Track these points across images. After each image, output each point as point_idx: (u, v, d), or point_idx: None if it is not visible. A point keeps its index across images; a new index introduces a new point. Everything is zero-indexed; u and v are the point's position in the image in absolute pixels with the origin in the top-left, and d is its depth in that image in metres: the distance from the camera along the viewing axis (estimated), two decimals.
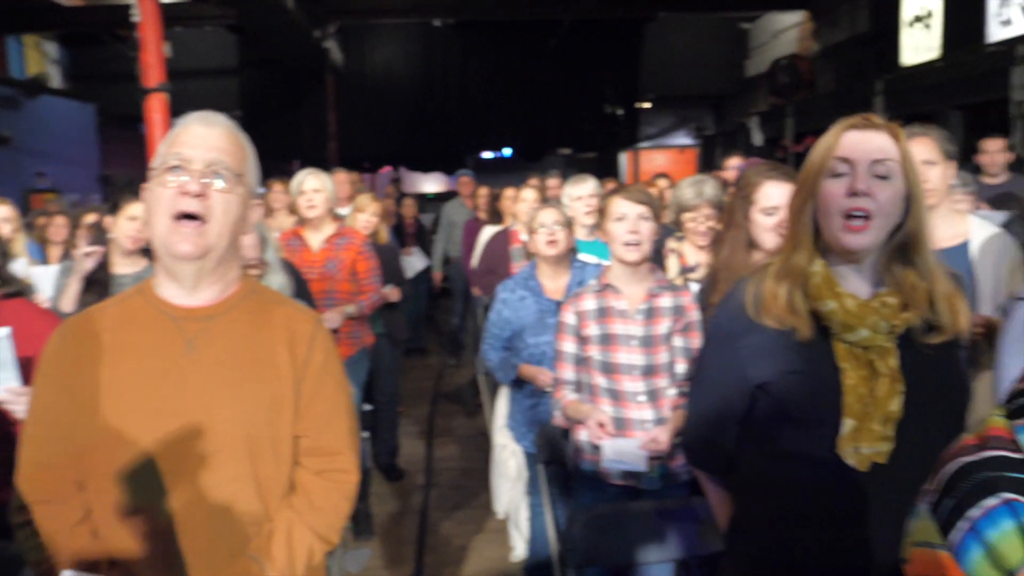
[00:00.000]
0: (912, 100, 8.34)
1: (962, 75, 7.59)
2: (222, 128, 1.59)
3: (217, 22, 12.04)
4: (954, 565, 0.78)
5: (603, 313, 2.68)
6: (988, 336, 2.42)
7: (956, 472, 0.82)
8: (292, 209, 4.68)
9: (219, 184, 1.54)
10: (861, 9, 9.99)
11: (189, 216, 1.51)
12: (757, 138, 12.26)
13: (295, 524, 1.60)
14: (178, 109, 1.68)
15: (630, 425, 2.65)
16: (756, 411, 1.69)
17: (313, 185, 4.32)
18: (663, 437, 2.56)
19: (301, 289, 3.63)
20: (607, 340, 2.66)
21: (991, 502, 0.78)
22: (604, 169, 15.07)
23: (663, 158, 16.59)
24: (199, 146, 1.53)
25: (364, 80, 13.65)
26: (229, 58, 14.00)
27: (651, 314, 2.65)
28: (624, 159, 16.35)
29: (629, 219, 2.61)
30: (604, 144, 15.28)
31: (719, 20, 14.50)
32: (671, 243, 3.87)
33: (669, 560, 2.53)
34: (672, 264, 3.69)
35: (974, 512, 0.78)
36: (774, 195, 2.41)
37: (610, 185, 7.11)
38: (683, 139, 16.32)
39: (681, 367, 2.66)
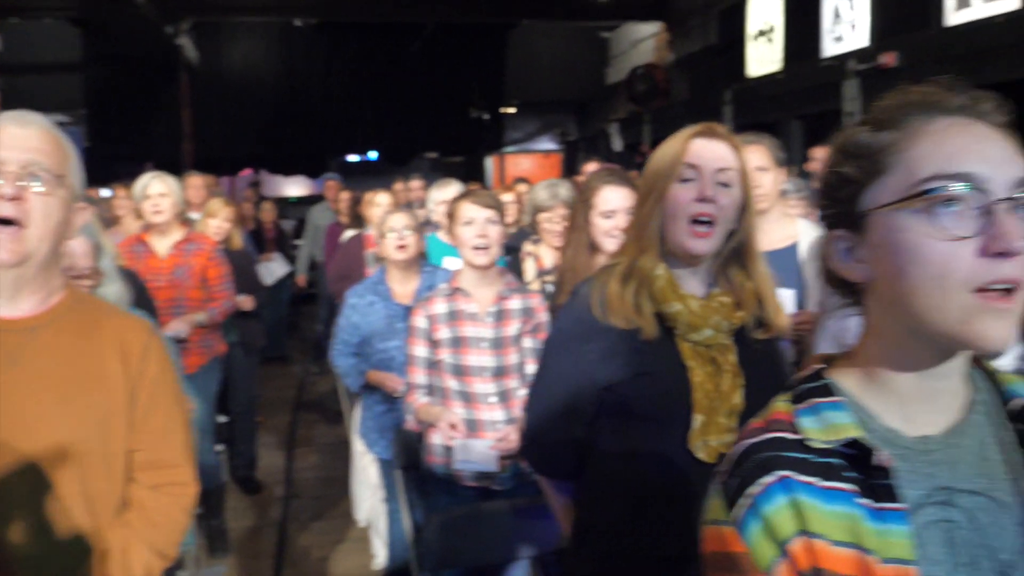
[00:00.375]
0: (757, 109, 8.81)
1: (801, 87, 8.08)
2: (39, 128, 1.50)
3: (58, 14, 11.34)
4: (737, 539, 0.83)
5: (454, 316, 2.70)
6: (815, 331, 2.58)
7: (742, 453, 0.87)
8: (139, 214, 4.47)
9: (37, 187, 1.45)
10: (712, 22, 10.47)
11: (5, 221, 1.42)
12: (617, 144, 12.63)
13: (131, 541, 1.54)
14: (13, 106, 1.57)
15: (482, 426, 2.67)
16: (604, 412, 1.72)
17: (159, 189, 4.14)
18: (514, 436, 2.59)
19: (141, 298, 3.47)
20: (458, 343, 2.67)
21: (768, 479, 0.83)
22: (471, 173, 15.15)
23: (529, 162, 16.86)
24: (14, 147, 1.44)
25: (221, 80, 13.16)
26: (72, 53, 13.20)
27: (501, 316, 2.68)
28: (490, 163, 16.49)
29: (477, 223, 2.63)
30: (470, 148, 15.35)
31: (581, 28, 14.85)
32: (527, 246, 3.92)
33: (524, 558, 2.56)
34: (529, 267, 3.74)
35: (754, 489, 0.83)
36: (612, 199, 2.48)
37: (473, 188, 7.16)
38: (548, 144, 16.63)
39: (531, 368, 2.71)
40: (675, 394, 1.61)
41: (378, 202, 4.93)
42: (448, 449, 2.66)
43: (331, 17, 12.62)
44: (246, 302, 4.90)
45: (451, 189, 4.28)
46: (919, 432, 0.87)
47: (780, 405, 0.91)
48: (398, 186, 7.46)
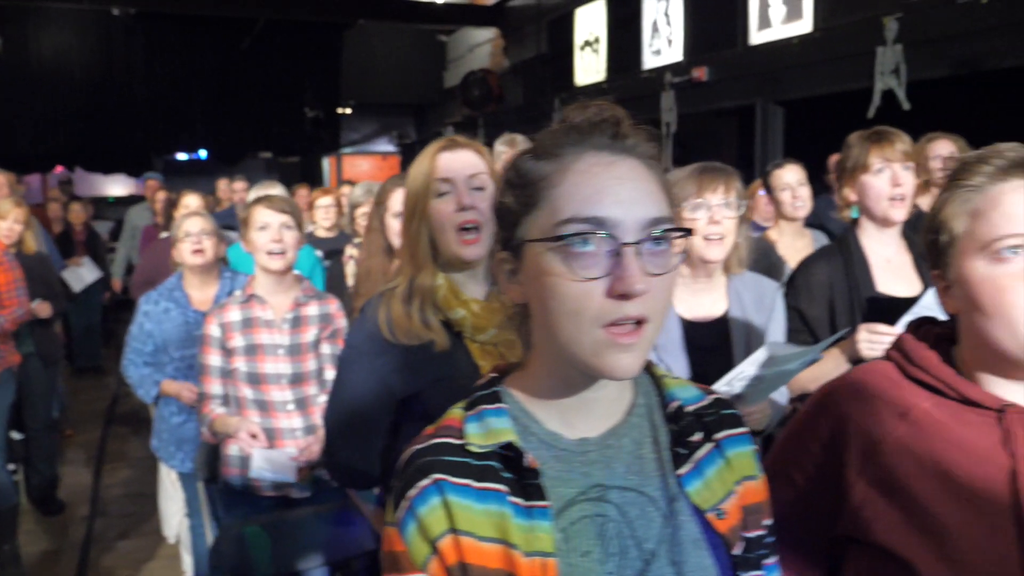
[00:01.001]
0: None
1: (624, 97, 8.43)
2: None
3: None
4: (398, 539, 0.89)
5: (248, 323, 2.64)
6: None
7: (407, 459, 0.93)
8: None
9: None
10: (543, 31, 10.74)
11: None
12: None
13: None
14: None
15: (280, 435, 2.63)
16: (407, 419, 1.74)
17: None
18: (316, 447, 2.57)
19: None
20: (253, 351, 2.62)
21: (424, 482, 0.89)
22: (307, 174, 14.82)
23: (367, 164, 16.67)
24: None
25: (28, 70, 12.20)
26: None
27: (297, 323, 2.65)
28: (327, 164, 16.18)
29: (272, 228, 2.59)
30: (306, 149, 14.99)
31: (419, 31, 14.85)
32: (349, 249, 3.89)
33: (325, 564, 2.54)
34: (350, 270, 3.71)
35: (412, 492, 0.89)
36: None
37: (302, 191, 7.00)
38: (386, 146, 16.51)
39: (330, 373, 2.68)
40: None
41: (185, 204, 4.72)
42: (245, 460, 2.59)
43: (150, 8, 11.97)
44: (42, 309, 4.59)
45: (274, 191, 4.17)
46: (578, 435, 0.93)
47: (454, 411, 0.96)
48: (222, 186, 7.20)
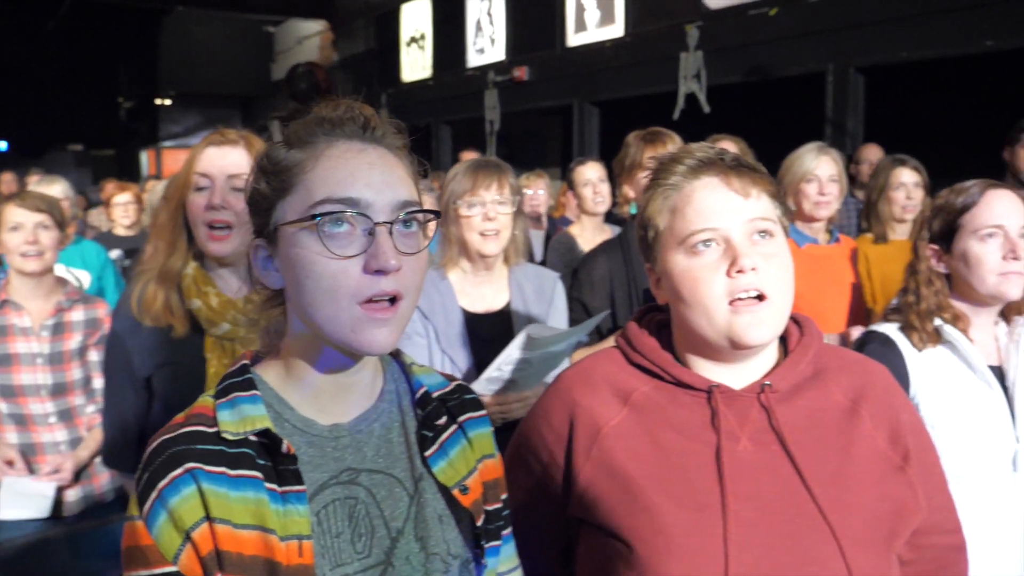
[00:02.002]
0: (411, 113, 9.08)
1: (449, 94, 8.47)
2: None
3: None
4: (146, 533, 0.87)
5: (2, 331, 2.44)
6: None
7: (153, 450, 0.90)
8: None
9: None
10: (372, 25, 10.62)
11: None
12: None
13: None
14: None
15: (42, 449, 2.44)
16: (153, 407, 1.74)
17: None
18: (68, 465, 2.41)
19: None
20: (7, 361, 2.42)
21: (176, 472, 0.87)
22: (124, 168, 13.94)
23: None
24: None
25: None
26: None
27: (59, 329, 2.47)
28: (145, 158, 15.31)
29: (26, 228, 2.41)
30: (120, 141, 14.11)
31: (244, 21, 14.32)
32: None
33: None
34: None
35: (162, 483, 0.87)
36: None
37: (109, 187, 6.57)
38: None
39: (99, 382, 2.52)
40: (191, 384, 1.65)
41: None
42: None
43: None
44: None
45: (56, 188, 3.86)
46: (332, 421, 0.95)
47: (204, 399, 0.95)
48: (6, 178, 6.66)
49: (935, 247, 1.70)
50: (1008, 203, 1.62)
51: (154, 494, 0.87)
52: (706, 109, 5.80)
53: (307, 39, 13.44)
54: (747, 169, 1.10)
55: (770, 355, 1.14)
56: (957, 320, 1.65)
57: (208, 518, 0.86)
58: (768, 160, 1.15)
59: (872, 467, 1.10)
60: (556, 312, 2.27)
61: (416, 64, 9.20)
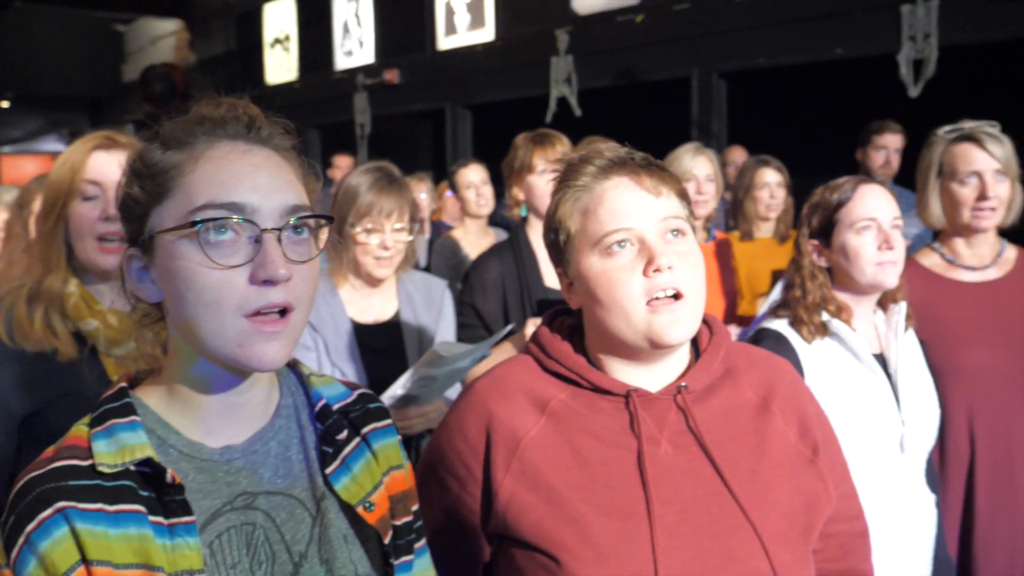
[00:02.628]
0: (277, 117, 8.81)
1: (317, 97, 8.27)
2: None
3: None
4: None
5: None
6: None
7: (20, 489, 0.81)
8: None
9: None
10: (232, 26, 10.23)
11: None
12: None
13: None
14: None
15: None
16: (28, 445, 1.54)
17: None
18: None
19: None
20: None
21: (45, 513, 0.79)
22: None
23: (33, 164, 14.78)
24: None
25: None
26: None
27: None
28: None
29: None
30: None
31: (91, 19, 13.48)
32: None
33: None
34: None
35: (30, 526, 0.79)
36: None
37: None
38: (56, 145, 14.79)
39: None
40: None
41: None
42: None
43: None
44: None
45: None
46: (223, 443, 0.89)
47: (78, 428, 0.87)
48: None
49: (815, 242, 1.77)
50: (879, 197, 1.72)
51: (21, 539, 0.79)
52: (577, 112, 5.89)
53: (161, 39, 12.79)
54: (656, 168, 1.11)
55: (683, 356, 1.15)
56: (841, 311, 1.73)
57: (84, 561, 0.79)
58: None
59: (786, 462, 1.12)
60: (444, 320, 2.24)
61: (281, 66, 8.93)
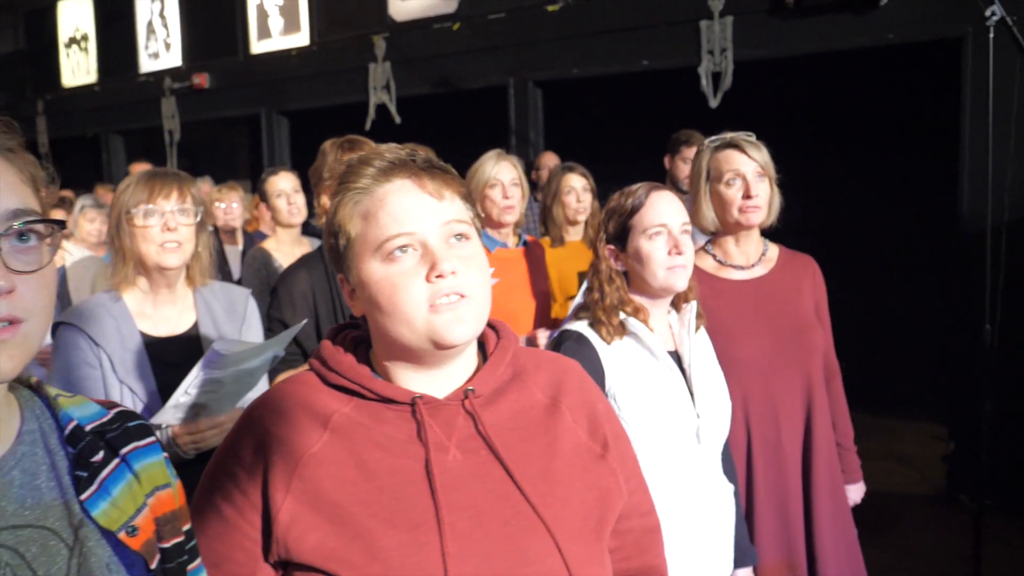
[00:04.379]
0: (76, 122, 8.19)
1: (119, 101, 7.75)
2: None
3: None
4: None
5: None
6: None
7: None
8: None
9: None
10: (20, 23, 9.41)
11: None
12: None
13: None
14: None
15: None
16: None
17: None
18: None
19: None
20: None
21: None
22: None
23: None
24: None
25: None
26: None
27: None
28: None
29: None
30: None
31: None
32: None
33: None
34: None
35: None
36: None
37: None
38: None
39: None
40: None
41: None
42: None
43: None
44: None
45: None
46: None
47: None
48: None
49: (612, 247, 1.83)
50: (670, 204, 1.80)
51: None
52: (397, 120, 5.85)
53: None
54: (439, 170, 1.09)
55: (470, 361, 1.14)
56: (638, 312, 1.80)
57: None
58: (460, 169, 1.14)
59: (577, 459, 1.13)
60: (250, 330, 2.14)
61: (79, 68, 8.30)
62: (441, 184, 1.07)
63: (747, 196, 2.11)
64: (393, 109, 5.86)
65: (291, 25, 6.53)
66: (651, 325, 1.81)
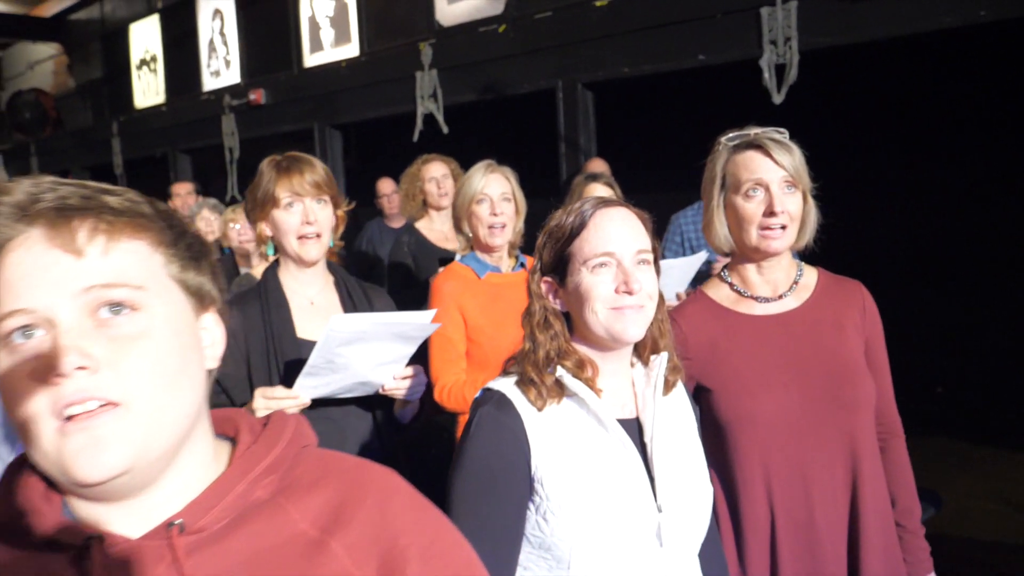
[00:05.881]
0: (146, 143, 8.27)
1: (184, 120, 7.76)
2: None
3: None
4: None
5: None
6: None
7: None
8: None
9: None
10: (100, 48, 9.65)
11: None
12: (3, 176, 10.99)
13: None
14: None
15: None
16: None
17: None
18: None
19: None
20: None
21: None
22: None
23: None
24: None
25: None
26: None
27: None
28: None
29: None
30: None
31: None
32: None
33: None
34: None
35: None
36: None
37: None
38: None
39: None
40: None
41: None
42: None
43: None
44: None
45: None
46: None
47: None
48: None
49: (549, 280, 1.43)
50: (621, 224, 1.38)
51: None
52: (444, 129, 5.56)
53: (39, 63, 12.09)
54: (94, 210, 0.74)
55: (193, 478, 0.79)
56: (582, 367, 1.39)
57: None
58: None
59: None
60: None
61: (149, 89, 8.40)
62: (91, 231, 0.72)
63: (770, 212, 1.67)
64: (440, 118, 5.56)
65: (342, 36, 6.35)
66: (600, 384, 1.39)
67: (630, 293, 1.34)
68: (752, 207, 1.69)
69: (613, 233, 1.37)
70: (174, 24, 7.98)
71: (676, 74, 4.75)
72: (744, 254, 1.76)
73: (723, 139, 1.76)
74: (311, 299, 2.09)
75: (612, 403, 1.40)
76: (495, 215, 2.53)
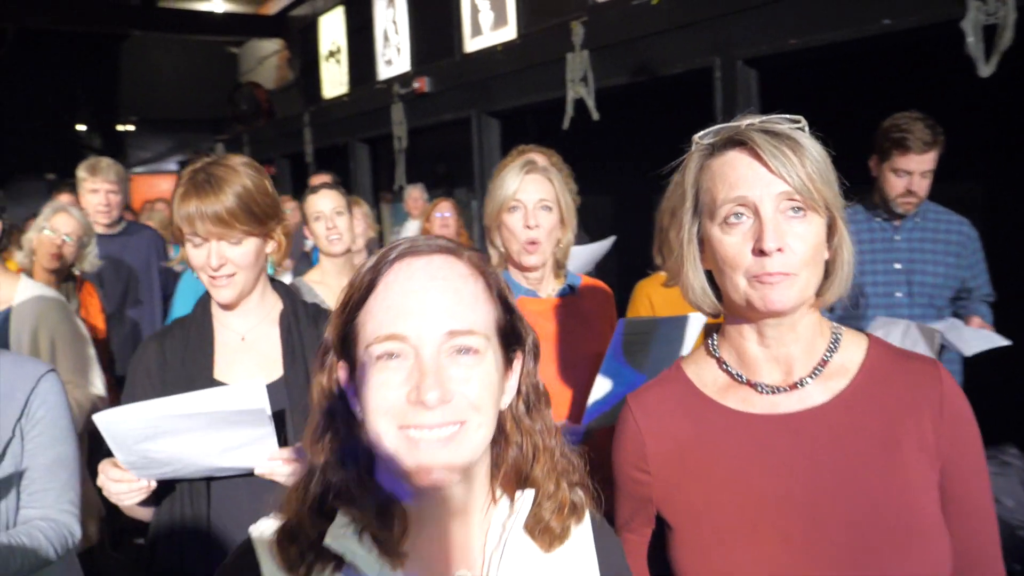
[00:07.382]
0: (331, 132, 8.44)
1: (362, 109, 7.80)
2: None
3: None
4: None
5: None
6: None
7: None
8: None
9: None
10: (297, 42, 10.03)
11: None
12: None
13: None
14: None
15: None
16: None
17: None
18: None
19: None
20: None
21: None
22: None
23: (169, 184, 15.44)
24: None
25: None
26: None
27: None
28: None
29: None
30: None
31: (205, 43, 13.88)
32: None
33: None
34: None
35: None
36: None
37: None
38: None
39: None
40: None
41: None
42: None
43: None
44: None
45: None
46: None
47: None
48: None
49: (345, 366, 0.96)
50: (425, 284, 0.88)
51: None
52: (595, 116, 5.03)
53: (267, 59, 12.91)
54: None
55: None
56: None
57: None
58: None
59: None
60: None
61: (335, 80, 8.57)
62: None
63: (759, 251, 1.07)
64: (591, 103, 5.04)
65: (500, 19, 6.00)
66: (423, 531, 0.91)
67: (428, 407, 0.84)
68: (733, 242, 1.09)
69: (413, 305, 0.88)
70: (356, 14, 8.04)
71: (854, 43, 3.91)
72: (735, 311, 1.15)
73: (695, 137, 1.17)
74: (243, 334, 1.73)
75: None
76: (529, 227, 2.01)
